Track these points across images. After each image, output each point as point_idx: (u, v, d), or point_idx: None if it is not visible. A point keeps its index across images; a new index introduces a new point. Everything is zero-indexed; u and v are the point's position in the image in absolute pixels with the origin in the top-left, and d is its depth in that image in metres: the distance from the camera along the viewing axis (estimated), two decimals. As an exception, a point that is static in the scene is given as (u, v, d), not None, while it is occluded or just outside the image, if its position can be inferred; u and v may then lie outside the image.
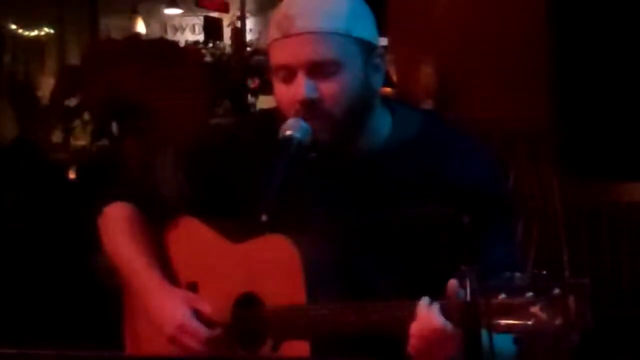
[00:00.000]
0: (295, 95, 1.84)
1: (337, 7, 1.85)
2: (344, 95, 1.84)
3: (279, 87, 1.88)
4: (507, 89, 5.03)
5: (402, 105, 1.98)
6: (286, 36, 1.84)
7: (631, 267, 4.01)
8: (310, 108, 1.83)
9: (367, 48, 1.87)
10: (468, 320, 1.56)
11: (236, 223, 1.95)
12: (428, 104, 5.01)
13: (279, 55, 1.86)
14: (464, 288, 1.56)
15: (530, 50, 5.05)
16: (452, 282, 1.65)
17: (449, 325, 1.64)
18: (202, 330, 1.96)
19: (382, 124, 1.93)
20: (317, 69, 1.83)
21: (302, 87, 1.83)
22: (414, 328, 1.69)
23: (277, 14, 1.88)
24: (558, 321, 1.48)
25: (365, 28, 1.87)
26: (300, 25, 1.83)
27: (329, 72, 1.83)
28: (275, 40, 1.87)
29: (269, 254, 1.91)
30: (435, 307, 1.67)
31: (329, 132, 1.85)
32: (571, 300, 1.47)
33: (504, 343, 1.56)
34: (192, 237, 2.07)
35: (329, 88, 1.83)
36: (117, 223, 2.11)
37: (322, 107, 1.83)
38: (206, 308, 1.98)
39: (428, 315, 1.66)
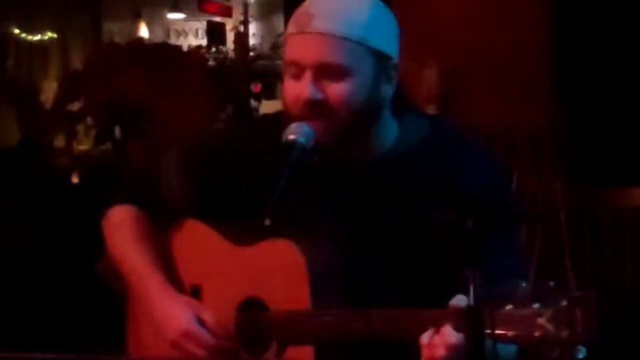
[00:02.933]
0: (300, 94, 1.84)
1: (357, 13, 1.84)
2: (349, 100, 1.83)
3: (288, 82, 1.88)
4: (510, 93, 5.03)
5: (409, 110, 1.97)
6: (301, 33, 1.84)
7: (634, 272, 4.01)
8: (313, 109, 1.83)
9: (381, 58, 1.86)
10: (471, 324, 1.56)
11: (241, 226, 1.95)
12: (431, 109, 5.01)
13: (291, 51, 1.86)
14: (468, 292, 1.56)
15: (533, 54, 5.05)
16: (452, 305, 1.65)
17: (463, 339, 1.63)
18: (206, 337, 1.96)
19: (389, 129, 1.93)
20: (325, 71, 1.82)
21: (307, 86, 1.83)
22: (429, 342, 1.67)
23: (299, 9, 1.88)
24: (564, 333, 1.47)
25: (383, 38, 1.86)
26: (315, 25, 1.83)
27: (337, 75, 1.82)
28: (291, 35, 1.87)
29: (273, 258, 1.91)
30: (448, 325, 1.65)
31: (331, 135, 1.85)
32: (578, 312, 1.47)
33: (506, 350, 1.56)
34: (196, 240, 2.07)
35: (334, 91, 1.83)
36: (121, 226, 2.11)
37: (325, 109, 1.83)
38: (210, 316, 1.97)
39: (447, 331, 1.65)
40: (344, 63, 1.82)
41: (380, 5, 1.89)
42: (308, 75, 1.83)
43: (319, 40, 1.82)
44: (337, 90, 1.83)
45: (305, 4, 1.88)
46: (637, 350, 3.83)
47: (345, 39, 1.82)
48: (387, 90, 1.88)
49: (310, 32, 1.83)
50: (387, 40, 1.87)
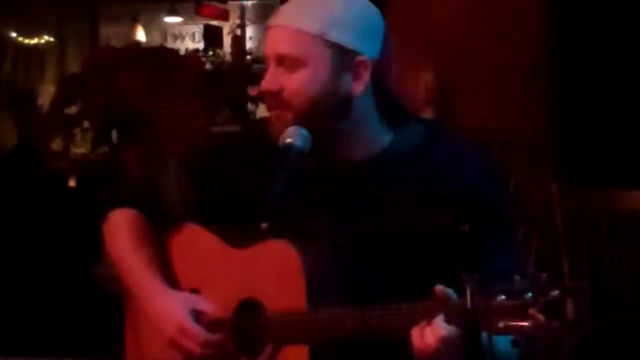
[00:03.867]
0: (262, 86, 1.91)
1: (319, 9, 1.89)
2: (302, 91, 1.88)
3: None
4: (506, 97, 5.03)
5: (405, 114, 1.98)
6: (268, 27, 1.94)
7: (631, 274, 4.01)
8: (271, 98, 1.90)
9: (343, 53, 1.88)
10: (469, 327, 1.57)
11: (239, 229, 1.96)
12: (428, 112, 5.01)
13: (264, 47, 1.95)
14: (465, 295, 1.57)
15: (530, 58, 5.05)
16: (437, 291, 1.67)
17: (453, 331, 1.65)
18: (202, 333, 1.97)
19: (382, 132, 1.94)
20: (283, 62, 1.89)
21: (266, 78, 1.91)
22: (419, 335, 1.69)
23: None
24: (555, 323, 1.49)
25: (348, 34, 1.88)
26: (277, 19, 1.92)
27: (292, 66, 1.88)
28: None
29: (270, 259, 1.92)
30: (440, 317, 1.67)
31: (289, 125, 1.88)
32: (569, 302, 1.48)
33: (505, 347, 1.57)
34: (195, 243, 2.08)
35: (288, 82, 1.88)
36: (120, 228, 2.12)
37: (282, 99, 1.88)
38: (207, 307, 1.99)
39: (437, 324, 1.67)
40: (297, 54, 1.87)
41: (355, 3, 1.92)
42: (270, 67, 1.91)
43: (277, 33, 1.91)
44: (291, 81, 1.88)
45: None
46: (635, 351, 3.84)
47: (300, 31, 1.87)
48: (355, 88, 1.90)
49: (273, 26, 1.92)
50: (354, 36, 1.89)
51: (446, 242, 1.70)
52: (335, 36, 1.87)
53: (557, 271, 3.53)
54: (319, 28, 1.87)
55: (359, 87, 1.90)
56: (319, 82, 1.87)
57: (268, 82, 1.90)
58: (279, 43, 1.90)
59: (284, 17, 1.92)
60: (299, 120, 1.87)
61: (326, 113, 1.89)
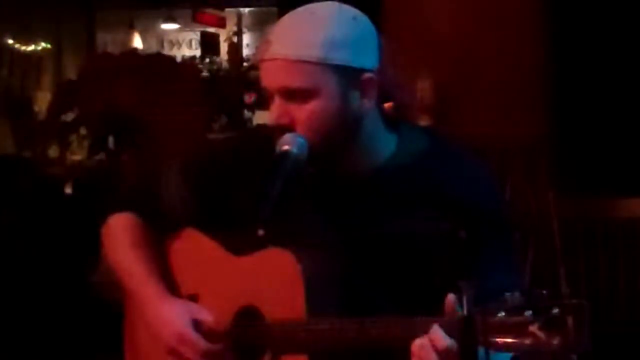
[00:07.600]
0: (270, 119, 1.86)
1: (314, 33, 1.83)
2: (317, 121, 1.83)
3: (270, 106, 1.90)
4: (503, 105, 5.04)
5: (407, 123, 1.97)
6: (262, 60, 1.87)
7: (627, 282, 4.02)
8: (283, 132, 1.85)
9: (348, 73, 1.83)
10: (465, 335, 1.57)
11: (239, 236, 1.96)
12: (425, 120, 5.02)
13: (261, 78, 1.89)
14: (461, 303, 1.57)
15: (527, 66, 5.06)
16: (450, 299, 1.66)
17: (454, 344, 1.64)
18: (201, 341, 1.97)
19: (385, 142, 1.93)
20: (290, 95, 1.83)
21: (274, 111, 1.85)
22: (418, 347, 1.68)
23: (263, 37, 1.91)
24: (556, 341, 1.48)
25: (347, 53, 1.83)
26: (273, 51, 1.84)
27: (301, 98, 1.83)
28: (258, 62, 1.90)
29: (270, 267, 1.91)
30: (438, 327, 1.66)
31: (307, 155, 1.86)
32: (570, 320, 1.48)
33: None
34: (194, 249, 2.08)
35: (301, 113, 1.83)
36: (120, 234, 2.12)
37: (295, 132, 1.84)
38: (207, 316, 1.99)
39: (436, 335, 1.66)
40: (304, 85, 1.82)
41: (346, 19, 1.86)
42: (276, 100, 1.85)
43: (277, 66, 1.83)
44: (303, 113, 1.83)
45: (269, 31, 1.90)
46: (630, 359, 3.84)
47: (301, 61, 1.82)
48: (364, 104, 1.86)
49: (269, 59, 1.85)
50: (355, 53, 1.84)
51: (444, 249, 1.70)
52: (338, 58, 1.82)
53: (553, 278, 3.53)
54: (320, 53, 1.81)
55: (369, 103, 1.87)
56: (332, 109, 1.83)
57: (278, 117, 1.84)
58: (283, 76, 1.83)
59: (278, 47, 1.82)
60: (314, 150, 1.84)
61: (339, 137, 1.86)
